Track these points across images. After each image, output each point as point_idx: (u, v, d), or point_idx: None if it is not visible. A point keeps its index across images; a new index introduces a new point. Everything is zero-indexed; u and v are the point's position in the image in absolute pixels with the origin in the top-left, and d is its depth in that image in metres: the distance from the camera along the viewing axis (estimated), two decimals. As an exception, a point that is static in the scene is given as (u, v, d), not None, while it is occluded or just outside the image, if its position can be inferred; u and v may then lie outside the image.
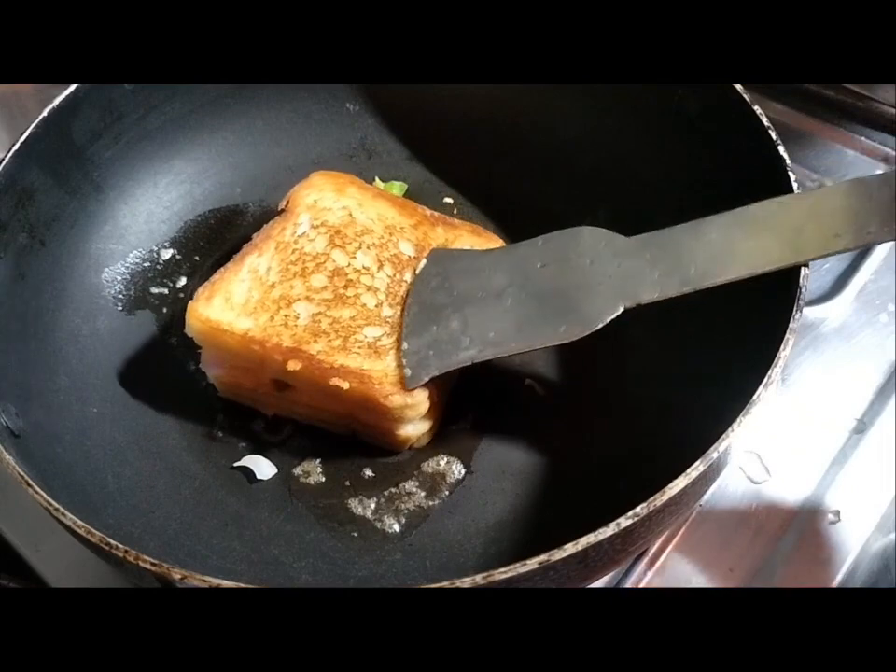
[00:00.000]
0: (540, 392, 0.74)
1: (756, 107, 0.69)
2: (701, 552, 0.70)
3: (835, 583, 0.67)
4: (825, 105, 0.98)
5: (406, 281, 0.73)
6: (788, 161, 0.66)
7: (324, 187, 0.79)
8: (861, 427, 0.76)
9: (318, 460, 0.71)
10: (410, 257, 0.75)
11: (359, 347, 0.68)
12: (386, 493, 0.69)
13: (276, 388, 0.70)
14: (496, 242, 0.76)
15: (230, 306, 0.70)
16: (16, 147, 0.71)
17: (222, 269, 0.73)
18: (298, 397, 0.70)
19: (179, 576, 0.49)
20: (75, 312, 0.76)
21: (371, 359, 0.67)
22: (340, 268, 0.73)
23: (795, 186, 0.64)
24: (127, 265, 0.82)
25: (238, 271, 0.72)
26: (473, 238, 0.76)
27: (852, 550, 0.69)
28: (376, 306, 0.71)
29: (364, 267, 0.74)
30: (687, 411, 0.64)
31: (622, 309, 0.63)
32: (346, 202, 0.78)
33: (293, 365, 0.67)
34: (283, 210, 0.77)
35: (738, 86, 0.70)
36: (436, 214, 0.79)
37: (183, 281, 0.83)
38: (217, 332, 0.69)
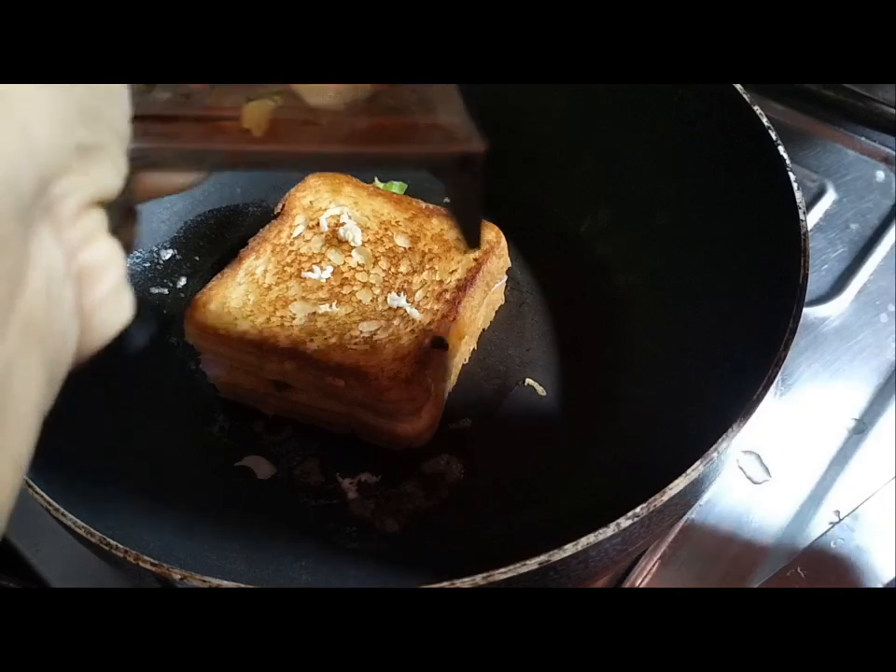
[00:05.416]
0: (540, 392, 0.74)
1: (756, 107, 0.69)
2: (701, 552, 0.70)
3: (836, 584, 0.67)
4: (825, 104, 0.98)
5: (402, 273, 0.73)
6: (788, 161, 0.66)
7: (320, 188, 0.79)
8: (861, 427, 0.76)
9: (318, 460, 0.71)
10: (405, 248, 0.75)
11: (356, 343, 0.68)
12: (386, 493, 0.69)
13: (276, 388, 0.70)
14: (491, 230, 0.76)
15: (226, 311, 0.70)
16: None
17: (219, 274, 0.73)
18: (298, 396, 0.70)
19: (179, 576, 0.49)
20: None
21: (366, 355, 0.67)
22: (336, 267, 0.73)
23: (795, 186, 0.64)
24: (127, 265, 0.81)
25: (235, 275, 0.73)
26: None
27: (852, 550, 0.69)
28: (371, 301, 0.71)
29: (359, 264, 0.74)
30: (687, 410, 0.64)
31: None
32: (342, 201, 0.78)
33: (290, 365, 0.68)
34: (279, 213, 0.77)
35: (738, 86, 0.70)
36: (431, 206, 0.78)
37: (183, 281, 0.83)
38: (215, 337, 0.69)
